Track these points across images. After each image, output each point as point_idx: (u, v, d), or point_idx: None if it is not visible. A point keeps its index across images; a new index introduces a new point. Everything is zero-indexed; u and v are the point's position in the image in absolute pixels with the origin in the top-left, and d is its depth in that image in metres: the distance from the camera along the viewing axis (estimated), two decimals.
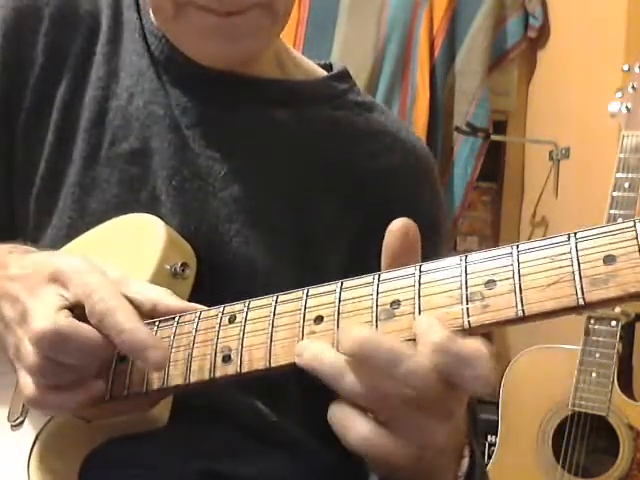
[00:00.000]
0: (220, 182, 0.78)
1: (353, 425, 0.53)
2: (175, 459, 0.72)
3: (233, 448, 0.74)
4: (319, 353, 0.53)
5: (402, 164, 0.85)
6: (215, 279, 0.75)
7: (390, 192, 0.83)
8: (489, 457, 1.93)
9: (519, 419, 1.89)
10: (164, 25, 0.79)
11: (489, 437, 2.00)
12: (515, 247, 0.52)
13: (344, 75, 0.89)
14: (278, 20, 0.77)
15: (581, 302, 0.47)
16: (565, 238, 0.50)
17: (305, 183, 0.81)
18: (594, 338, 1.76)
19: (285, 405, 0.77)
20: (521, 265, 0.50)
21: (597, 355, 1.75)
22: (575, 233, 0.49)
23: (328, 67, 0.91)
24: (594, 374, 1.75)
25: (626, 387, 1.79)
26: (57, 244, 0.78)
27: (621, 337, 1.76)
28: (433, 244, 0.85)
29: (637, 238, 0.47)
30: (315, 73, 0.89)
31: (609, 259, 0.47)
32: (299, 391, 0.79)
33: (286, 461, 0.77)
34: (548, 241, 0.50)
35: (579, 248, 0.49)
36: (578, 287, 0.48)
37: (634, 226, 0.48)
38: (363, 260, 0.79)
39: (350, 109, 0.86)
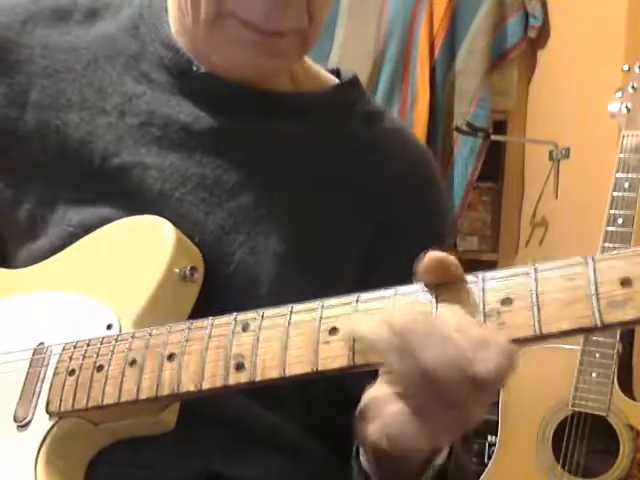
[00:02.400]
0: (227, 193, 0.78)
1: (388, 405, 0.56)
2: (174, 460, 0.72)
3: (232, 450, 0.74)
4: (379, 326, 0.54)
5: (410, 175, 0.85)
6: (218, 289, 0.74)
7: (399, 203, 0.84)
8: (489, 457, 1.93)
9: (519, 419, 1.88)
10: (196, 26, 0.78)
11: (489, 437, 2.00)
12: (533, 267, 0.52)
13: (354, 83, 0.89)
14: (308, 48, 0.79)
15: (598, 323, 0.48)
16: (582, 260, 0.50)
17: (314, 196, 0.81)
18: (594, 338, 1.76)
19: (285, 407, 0.77)
20: (539, 284, 0.51)
21: (597, 355, 1.75)
22: (592, 257, 0.50)
23: (336, 73, 0.90)
24: (594, 374, 1.75)
25: (626, 387, 1.79)
26: (57, 252, 0.78)
27: (621, 337, 1.76)
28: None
29: None
30: (326, 82, 0.88)
31: (626, 282, 0.48)
32: (300, 393, 0.79)
33: (286, 463, 0.77)
34: (566, 262, 0.51)
35: (597, 270, 0.49)
36: (595, 309, 0.48)
37: None
38: (373, 272, 0.79)
39: (359, 119, 0.86)
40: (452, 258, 0.56)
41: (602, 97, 1.92)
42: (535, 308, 0.50)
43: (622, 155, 1.77)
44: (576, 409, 1.77)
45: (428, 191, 0.87)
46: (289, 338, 0.58)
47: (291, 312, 0.59)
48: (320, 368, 0.57)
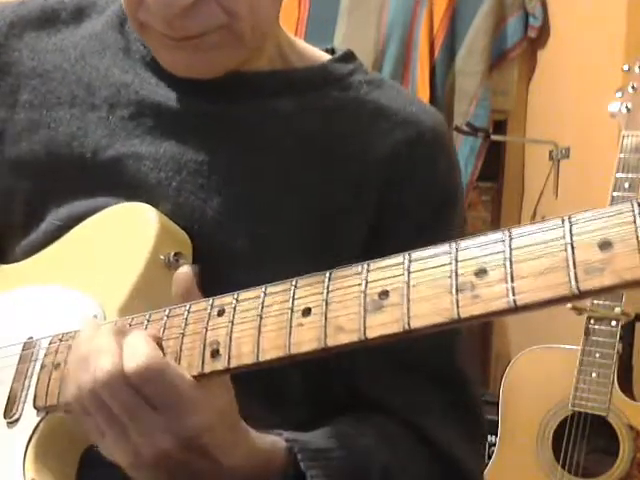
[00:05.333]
0: (224, 178, 0.77)
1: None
2: None
3: None
4: None
5: (417, 137, 0.82)
6: (221, 278, 0.74)
7: (406, 167, 0.81)
8: (489, 457, 1.93)
9: (519, 419, 1.88)
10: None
11: (489, 437, 2.00)
12: (508, 232, 0.49)
13: (348, 56, 0.87)
14: (243, 38, 0.75)
15: (575, 291, 0.45)
16: (559, 222, 0.47)
17: (316, 172, 0.79)
18: (594, 338, 1.76)
19: (284, 409, 0.77)
20: (513, 252, 0.48)
21: (597, 355, 1.75)
22: (569, 217, 0.47)
23: (331, 52, 0.89)
24: (594, 374, 1.75)
25: (626, 387, 1.79)
26: (46, 246, 0.78)
27: (621, 337, 1.75)
28: (452, 215, 0.84)
29: (635, 222, 0.44)
30: (319, 59, 0.86)
31: (605, 244, 0.45)
32: (299, 395, 0.79)
33: None
34: (542, 225, 0.48)
35: (573, 233, 0.46)
36: (572, 275, 0.45)
37: (632, 208, 0.45)
38: (382, 242, 0.79)
39: (358, 89, 0.84)
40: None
41: (602, 97, 1.92)
42: (509, 279, 0.47)
43: (622, 155, 1.77)
44: (576, 409, 1.77)
45: (437, 150, 0.84)
46: (262, 321, 0.56)
47: (265, 294, 0.58)
48: (292, 352, 0.55)
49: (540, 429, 1.83)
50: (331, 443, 0.72)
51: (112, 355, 0.59)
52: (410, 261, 0.52)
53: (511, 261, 0.48)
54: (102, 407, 0.60)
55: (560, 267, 0.46)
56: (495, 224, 2.75)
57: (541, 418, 1.83)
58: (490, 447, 1.96)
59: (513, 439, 1.89)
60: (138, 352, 0.59)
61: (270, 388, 0.73)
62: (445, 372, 0.82)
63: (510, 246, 0.48)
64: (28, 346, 0.71)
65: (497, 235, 0.49)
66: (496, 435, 1.92)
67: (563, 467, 1.80)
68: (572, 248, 0.46)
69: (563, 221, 0.47)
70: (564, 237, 0.46)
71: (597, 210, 0.46)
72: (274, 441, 0.68)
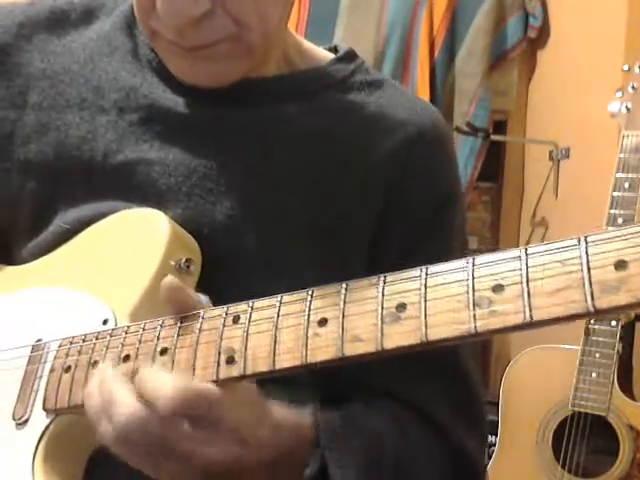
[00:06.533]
0: (233, 181, 0.78)
1: None
2: None
3: None
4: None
5: (418, 136, 0.83)
6: (232, 281, 0.74)
7: (407, 166, 0.82)
8: (489, 457, 1.93)
9: (519, 419, 1.88)
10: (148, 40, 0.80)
11: (489, 437, 2.00)
12: (524, 250, 0.50)
13: (350, 56, 0.87)
14: (254, 48, 0.75)
15: (591, 309, 0.46)
16: (575, 242, 0.49)
17: (321, 176, 0.80)
18: (594, 338, 1.76)
19: (293, 393, 0.77)
20: (530, 270, 0.49)
21: (597, 355, 1.75)
22: (586, 237, 0.48)
23: (333, 50, 0.89)
24: (594, 374, 1.75)
25: (626, 387, 1.79)
26: (52, 249, 0.78)
27: (621, 337, 1.76)
28: (452, 214, 0.85)
29: None
30: (322, 60, 0.87)
31: (620, 264, 0.46)
32: (308, 394, 0.79)
33: None
34: (558, 245, 0.49)
35: (589, 253, 0.48)
36: (588, 293, 0.47)
37: None
38: (385, 243, 0.79)
39: (360, 89, 0.85)
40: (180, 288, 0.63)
41: (602, 97, 1.92)
42: (526, 295, 0.49)
43: (622, 155, 1.77)
44: (576, 409, 1.77)
45: (438, 149, 0.85)
46: (278, 331, 0.57)
47: (280, 303, 0.59)
48: (310, 360, 0.56)
49: (540, 429, 1.83)
50: (345, 425, 0.72)
51: (127, 406, 0.58)
52: (427, 274, 0.53)
53: (527, 278, 0.49)
54: (136, 448, 0.59)
55: (576, 285, 0.47)
56: (495, 224, 2.75)
57: (541, 418, 1.83)
58: (490, 447, 1.96)
59: (513, 439, 1.89)
60: (163, 383, 0.57)
61: (281, 388, 0.73)
62: (450, 371, 0.83)
63: (527, 264, 0.50)
64: (37, 348, 0.71)
65: (514, 252, 0.51)
66: (496, 435, 1.92)
67: (563, 467, 1.80)
68: (588, 268, 0.47)
69: (579, 241, 0.48)
70: (580, 257, 0.48)
71: (612, 231, 0.48)
72: (300, 417, 0.69)
